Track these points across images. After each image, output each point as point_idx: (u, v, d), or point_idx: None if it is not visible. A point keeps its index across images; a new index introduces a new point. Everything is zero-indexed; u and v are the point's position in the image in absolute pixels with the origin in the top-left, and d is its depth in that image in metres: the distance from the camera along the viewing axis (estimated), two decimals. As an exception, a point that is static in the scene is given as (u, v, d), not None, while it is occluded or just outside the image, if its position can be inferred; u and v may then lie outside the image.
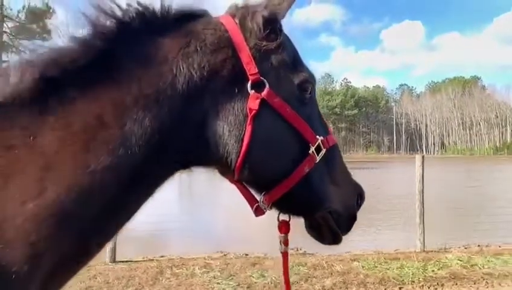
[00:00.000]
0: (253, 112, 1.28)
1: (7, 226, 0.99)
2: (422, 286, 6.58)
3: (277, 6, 1.36)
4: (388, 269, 7.32)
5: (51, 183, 1.04)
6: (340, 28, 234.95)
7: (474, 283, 6.65)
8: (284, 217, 1.51)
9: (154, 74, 1.21)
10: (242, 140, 1.29)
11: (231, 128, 1.28)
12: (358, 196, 1.56)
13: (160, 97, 1.20)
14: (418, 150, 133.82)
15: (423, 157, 8.99)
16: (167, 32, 1.27)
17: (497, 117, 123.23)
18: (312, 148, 1.38)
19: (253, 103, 1.28)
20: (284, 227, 1.51)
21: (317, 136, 1.40)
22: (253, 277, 6.88)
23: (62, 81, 1.12)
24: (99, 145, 1.11)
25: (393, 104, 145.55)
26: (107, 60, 1.18)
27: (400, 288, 6.53)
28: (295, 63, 1.43)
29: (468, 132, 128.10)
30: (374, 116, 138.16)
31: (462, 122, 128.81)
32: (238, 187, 1.47)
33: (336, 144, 1.51)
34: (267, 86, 1.31)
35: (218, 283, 6.59)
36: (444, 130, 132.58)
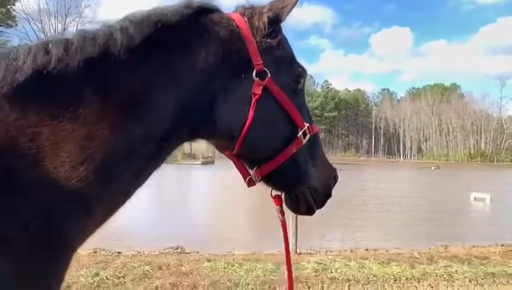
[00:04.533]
0: (257, 96, 1.47)
1: (63, 184, 1.11)
2: (253, 287, 6.38)
3: (280, 10, 1.55)
4: (235, 271, 7.11)
5: (95, 151, 1.16)
6: (330, 31, 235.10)
7: (309, 288, 6.48)
8: (277, 192, 1.70)
9: (178, 56, 1.37)
10: (245, 119, 1.46)
11: (236, 109, 1.47)
12: (333, 177, 1.76)
13: (183, 77, 1.37)
14: (395, 154, 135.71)
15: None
16: (190, 21, 1.43)
17: (473, 125, 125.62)
18: (300, 132, 1.58)
19: (257, 89, 1.47)
20: (277, 200, 1.70)
21: (305, 123, 1.59)
22: (83, 275, 6.58)
23: (102, 60, 1.22)
24: (132, 118, 1.25)
25: (373, 108, 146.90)
26: (141, 43, 1.30)
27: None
28: (291, 58, 1.64)
29: (444, 138, 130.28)
30: (353, 119, 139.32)
31: (440, 129, 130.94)
32: (234, 161, 1.66)
33: (318, 132, 1.71)
34: (269, 75, 1.50)
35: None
36: (421, 135, 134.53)
